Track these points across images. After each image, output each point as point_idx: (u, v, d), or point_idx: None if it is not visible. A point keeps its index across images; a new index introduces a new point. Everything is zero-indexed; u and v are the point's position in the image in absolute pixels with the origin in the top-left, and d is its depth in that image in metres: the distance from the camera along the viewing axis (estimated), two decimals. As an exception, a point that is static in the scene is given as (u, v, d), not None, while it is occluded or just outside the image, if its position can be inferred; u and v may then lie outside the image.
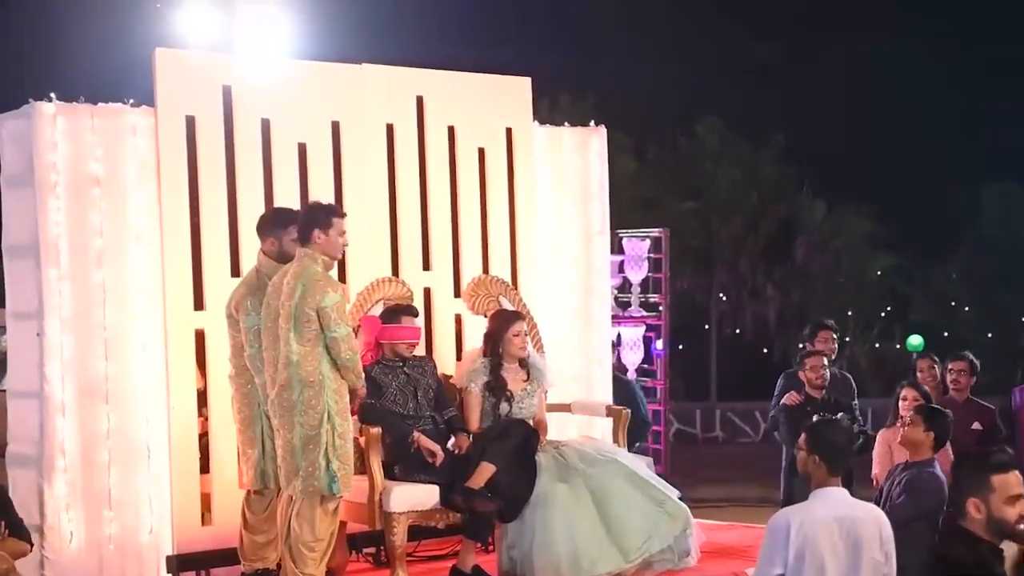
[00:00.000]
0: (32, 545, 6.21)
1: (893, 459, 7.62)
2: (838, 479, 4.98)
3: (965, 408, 8.42)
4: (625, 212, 20.67)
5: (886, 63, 35.61)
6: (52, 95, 6.90)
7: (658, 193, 31.05)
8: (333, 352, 6.27)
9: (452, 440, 7.08)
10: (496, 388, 7.24)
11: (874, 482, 7.81)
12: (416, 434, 6.83)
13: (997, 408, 8.68)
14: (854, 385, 9.14)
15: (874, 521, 4.92)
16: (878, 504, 6.29)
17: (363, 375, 6.53)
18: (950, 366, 8.58)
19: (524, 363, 7.35)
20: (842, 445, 5.03)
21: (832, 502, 4.91)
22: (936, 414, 6.72)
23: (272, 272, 6.55)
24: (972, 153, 34.04)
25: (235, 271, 7.23)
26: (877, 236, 32.79)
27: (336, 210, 6.55)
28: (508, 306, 7.80)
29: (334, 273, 6.66)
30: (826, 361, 8.86)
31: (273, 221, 6.80)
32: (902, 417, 7.79)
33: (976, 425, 8.35)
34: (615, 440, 7.64)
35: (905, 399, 7.83)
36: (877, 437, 7.91)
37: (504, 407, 7.22)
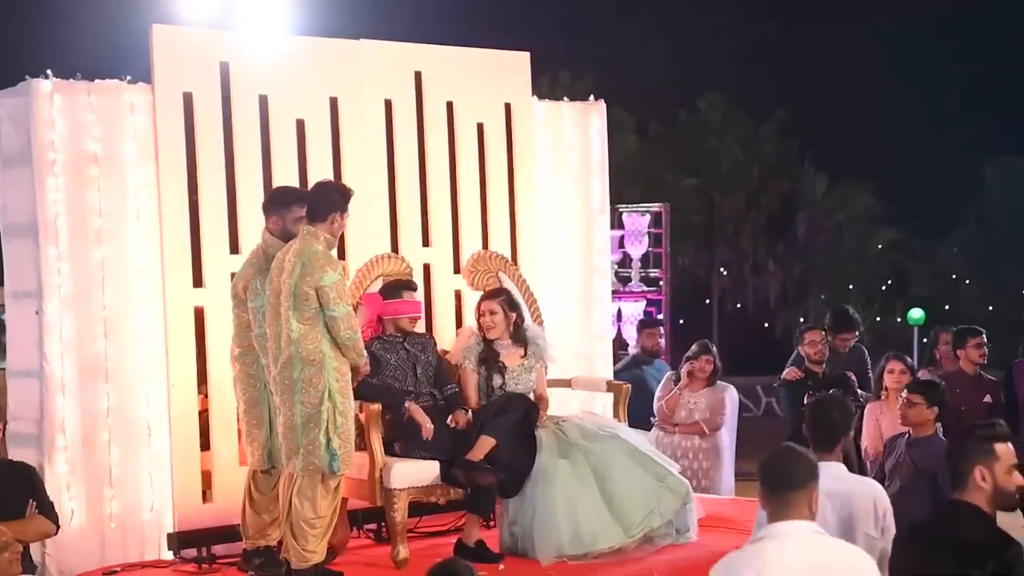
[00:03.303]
0: (58, 527, 6.22)
1: (881, 431, 7.64)
2: (832, 455, 4.99)
3: (976, 381, 8.42)
4: (627, 189, 20.68)
5: (887, 38, 35.50)
6: (48, 72, 6.87)
7: (660, 170, 31.04)
8: (332, 331, 6.26)
9: (451, 416, 7.09)
10: (488, 360, 7.23)
11: (864, 454, 7.81)
12: (408, 403, 6.82)
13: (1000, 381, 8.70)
14: (867, 358, 9.15)
15: (868, 496, 4.93)
16: (877, 476, 6.30)
17: (364, 353, 6.51)
18: (974, 340, 8.54)
19: (521, 339, 7.33)
20: (829, 423, 5.05)
21: (829, 476, 4.90)
22: (934, 388, 6.72)
23: (277, 250, 6.54)
24: (973, 127, 33.98)
25: (234, 248, 7.22)
26: (878, 211, 32.78)
27: (351, 194, 6.53)
28: (508, 282, 7.80)
29: (334, 250, 6.64)
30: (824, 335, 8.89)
31: (277, 200, 6.78)
32: (886, 389, 7.82)
33: (987, 399, 8.36)
34: (616, 415, 7.64)
35: (892, 371, 7.83)
36: (865, 410, 7.91)
37: (497, 379, 7.20)
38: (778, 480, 4.06)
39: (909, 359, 8.07)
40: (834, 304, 9.78)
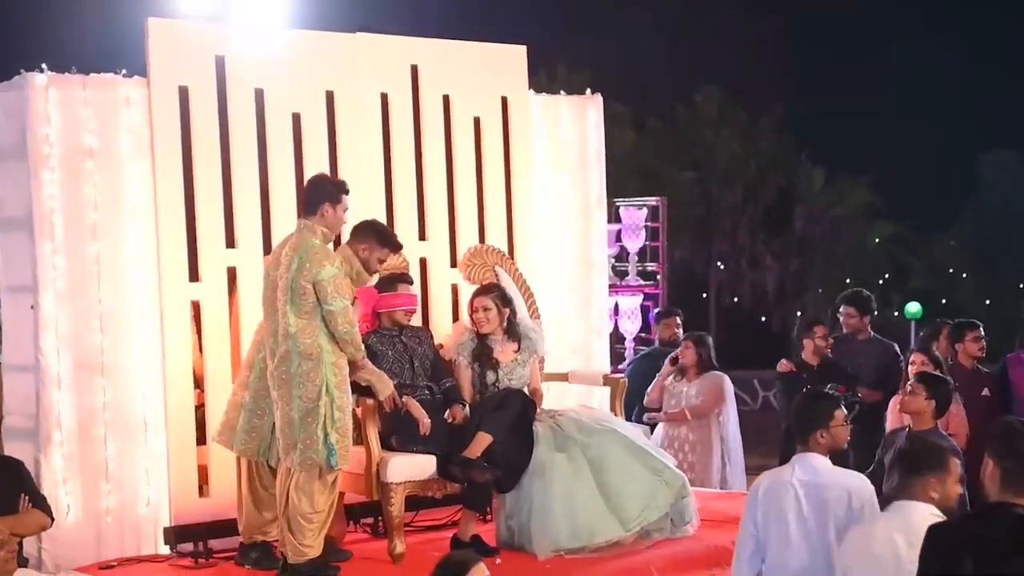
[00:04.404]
0: (53, 519, 6.21)
1: (904, 423, 7.62)
2: (809, 447, 5.10)
3: (975, 375, 8.41)
4: (625, 183, 20.68)
5: (886, 32, 35.49)
6: (44, 65, 6.84)
7: (657, 164, 31.07)
8: (330, 325, 6.25)
9: (448, 411, 7.08)
10: (481, 356, 7.22)
11: None
12: (406, 398, 6.82)
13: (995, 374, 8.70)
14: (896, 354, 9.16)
15: (842, 487, 5.00)
16: (876, 471, 6.28)
17: (363, 347, 6.51)
18: (972, 334, 8.54)
19: (514, 333, 7.32)
20: (805, 418, 5.13)
21: (805, 467, 5.05)
22: (938, 382, 6.69)
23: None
24: (971, 122, 34.00)
25: (230, 242, 7.22)
26: (876, 205, 32.79)
27: (346, 187, 6.55)
28: (504, 276, 7.79)
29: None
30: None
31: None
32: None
33: (985, 392, 8.35)
34: (612, 409, 7.63)
35: (914, 363, 7.81)
36: (890, 404, 7.90)
37: (491, 376, 7.20)
38: (901, 464, 4.67)
39: (936, 353, 8.04)
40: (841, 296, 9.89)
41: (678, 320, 10.06)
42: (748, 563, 5.09)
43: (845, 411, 5.22)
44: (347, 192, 6.51)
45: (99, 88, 6.97)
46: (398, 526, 6.71)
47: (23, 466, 6.29)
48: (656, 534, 6.95)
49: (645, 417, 8.88)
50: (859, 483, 5.06)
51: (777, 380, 9.10)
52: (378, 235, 6.76)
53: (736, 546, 5.18)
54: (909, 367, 7.83)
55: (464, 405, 7.04)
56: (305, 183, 6.79)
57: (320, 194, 6.42)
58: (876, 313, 9.54)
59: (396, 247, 6.90)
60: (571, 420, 7.16)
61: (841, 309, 9.30)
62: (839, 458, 5.43)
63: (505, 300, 7.34)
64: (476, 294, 7.39)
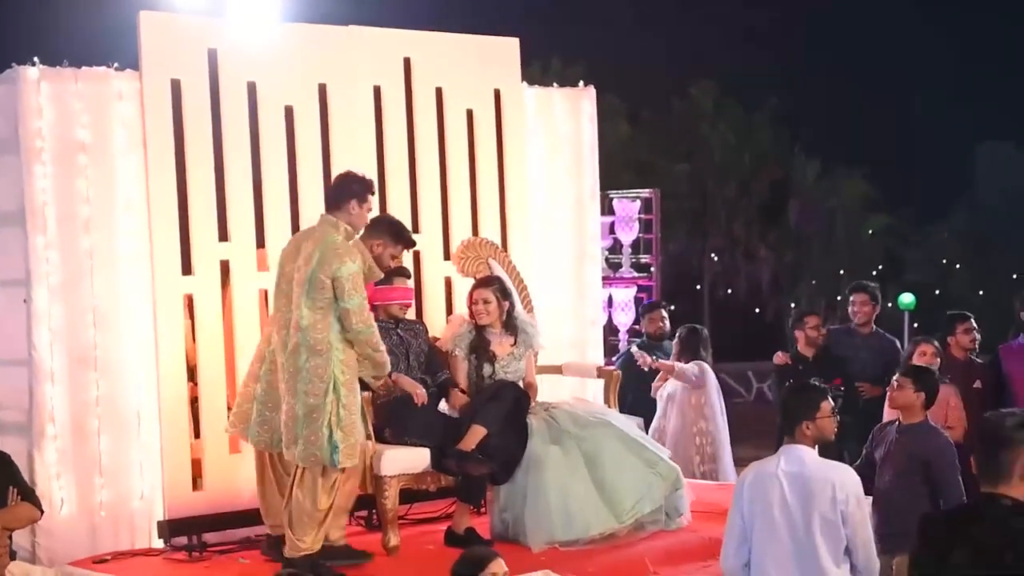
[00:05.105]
0: (43, 512, 6.21)
1: None
2: (795, 439, 5.11)
3: (966, 367, 8.39)
4: (619, 175, 20.66)
5: (881, 23, 35.49)
6: (35, 59, 6.83)
7: (651, 156, 31.05)
8: (345, 323, 6.23)
9: (442, 403, 7.08)
10: (478, 348, 7.22)
11: None
12: (395, 375, 6.80)
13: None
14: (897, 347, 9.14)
15: (826, 480, 5.01)
16: (864, 464, 6.29)
17: (381, 347, 6.41)
18: (963, 326, 8.51)
19: (512, 327, 7.32)
20: (789, 409, 5.17)
21: (791, 458, 5.07)
22: (925, 374, 6.67)
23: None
24: (967, 113, 34.00)
25: (223, 235, 7.20)
26: (871, 197, 32.79)
27: (373, 187, 6.61)
28: (498, 268, 7.78)
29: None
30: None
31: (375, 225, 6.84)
32: None
33: (977, 384, 8.34)
34: (606, 401, 7.64)
35: (924, 354, 7.78)
36: (886, 398, 7.89)
37: (487, 369, 7.20)
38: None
39: (935, 344, 8.01)
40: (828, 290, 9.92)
41: (663, 313, 10.09)
42: (735, 554, 5.11)
43: (832, 403, 5.23)
44: (374, 192, 6.58)
45: (91, 81, 6.96)
46: (392, 519, 6.71)
47: (11, 459, 6.28)
48: (650, 526, 6.96)
49: (633, 348, 8.95)
50: (844, 475, 5.06)
51: (773, 373, 9.09)
52: (392, 231, 6.75)
53: (724, 537, 5.19)
54: (917, 359, 7.79)
55: (463, 391, 7.06)
56: (333, 178, 6.80)
57: (349, 190, 6.45)
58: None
59: (410, 243, 6.89)
60: (565, 413, 7.17)
61: (853, 298, 9.22)
62: (833, 451, 5.43)
63: (505, 293, 7.36)
64: (476, 286, 7.38)
